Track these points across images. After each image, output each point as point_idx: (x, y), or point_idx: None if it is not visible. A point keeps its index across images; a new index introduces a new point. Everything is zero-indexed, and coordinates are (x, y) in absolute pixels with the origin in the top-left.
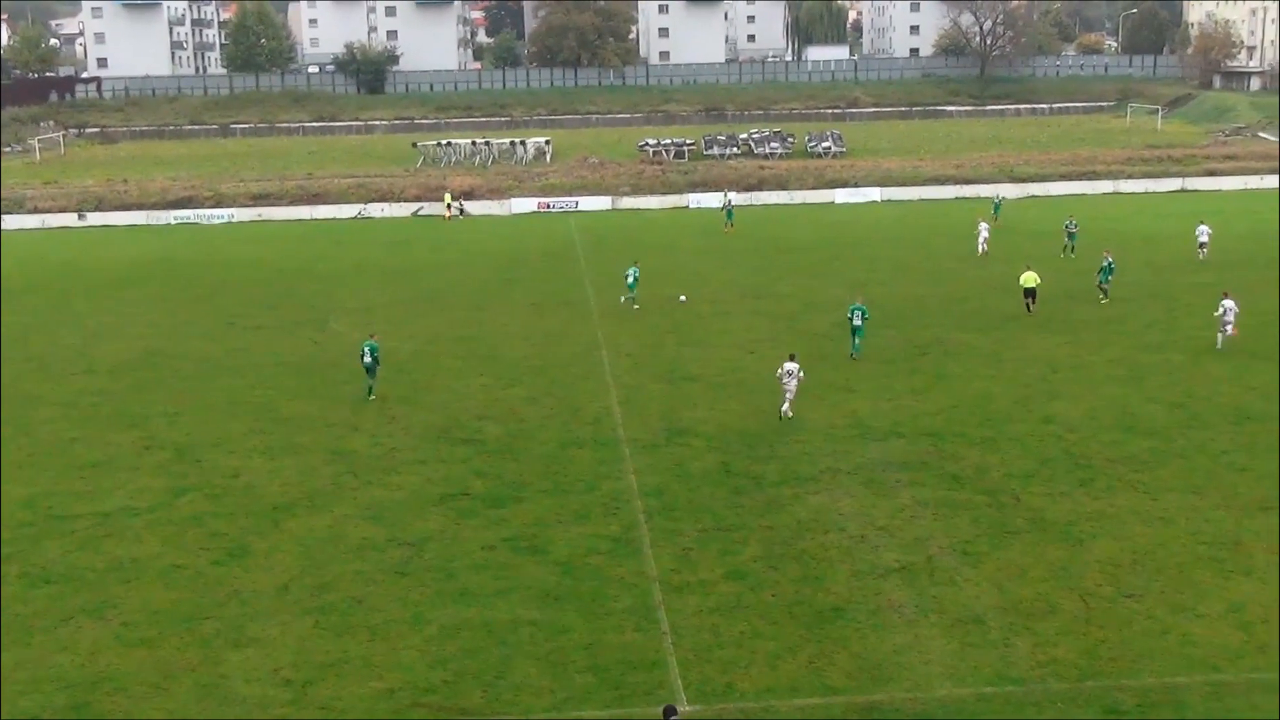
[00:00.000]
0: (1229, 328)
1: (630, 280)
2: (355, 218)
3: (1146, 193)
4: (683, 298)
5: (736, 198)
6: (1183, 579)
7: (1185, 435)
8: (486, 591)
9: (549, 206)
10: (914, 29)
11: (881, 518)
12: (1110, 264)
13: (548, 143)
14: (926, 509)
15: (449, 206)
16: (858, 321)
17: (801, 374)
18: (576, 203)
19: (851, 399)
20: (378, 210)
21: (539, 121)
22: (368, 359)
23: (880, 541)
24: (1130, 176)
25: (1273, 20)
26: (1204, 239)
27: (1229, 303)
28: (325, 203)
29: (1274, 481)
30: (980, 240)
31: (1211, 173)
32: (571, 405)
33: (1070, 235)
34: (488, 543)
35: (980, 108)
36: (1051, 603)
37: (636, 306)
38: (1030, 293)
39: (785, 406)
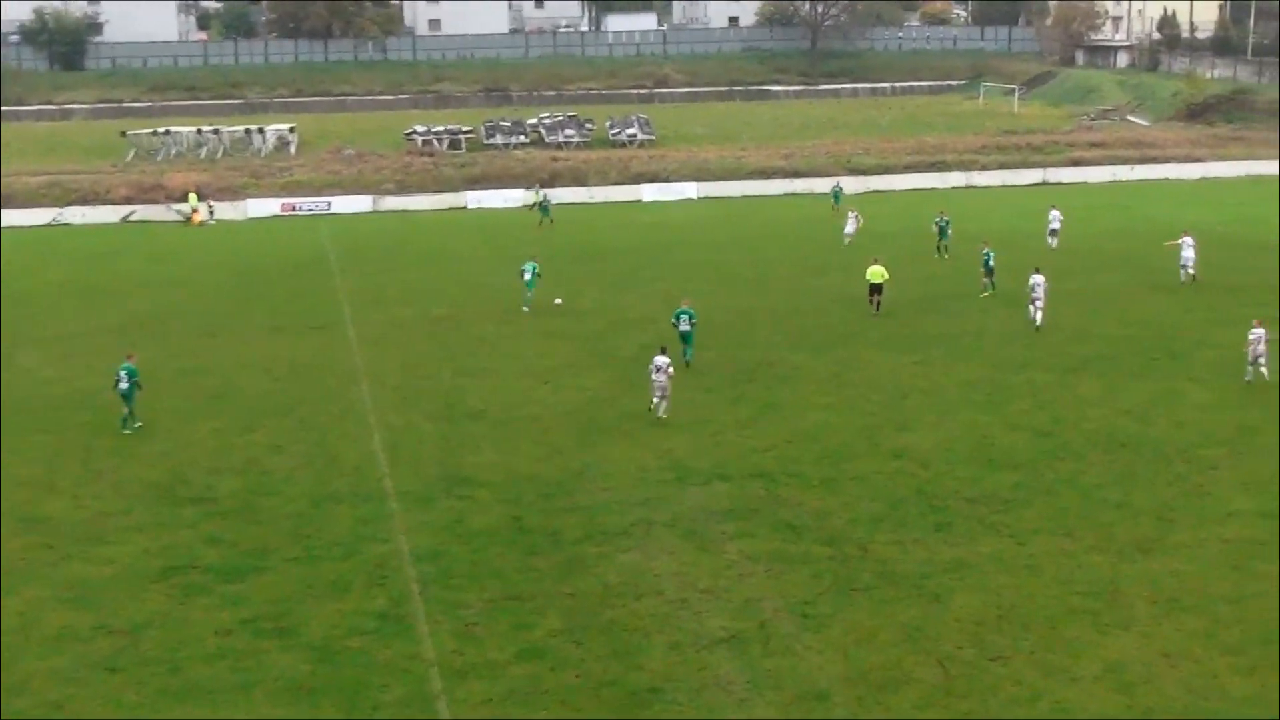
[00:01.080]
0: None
1: (528, 278)
2: (50, 225)
3: (1004, 186)
4: (558, 300)
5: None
6: (1054, 636)
7: (1053, 467)
8: (222, 687)
9: (295, 209)
10: None
11: (705, 578)
12: (989, 254)
13: (292, 130)
14: (758, 565)
15: (195, 210)
16: (685, 327)
17: (671, 369)
18: (329, 204)
19: (667, 435)
20: (78, 215)
21: (280, 105)
22: (124, 385)
23: (704, 606)
24: (985, 168)
25: None
26: (1055, 225)
27: (1259, 331)
28: (10, 206)
29: (1153, 519)
30: (847, 233)
31: (1076, 162)
32: (326, 452)
33: (942, 232)
34: (223, 626)
35: (812, 87)
36: (905, 671)
37: (526, 309)
38: (876, 288)
39: (655, 402)
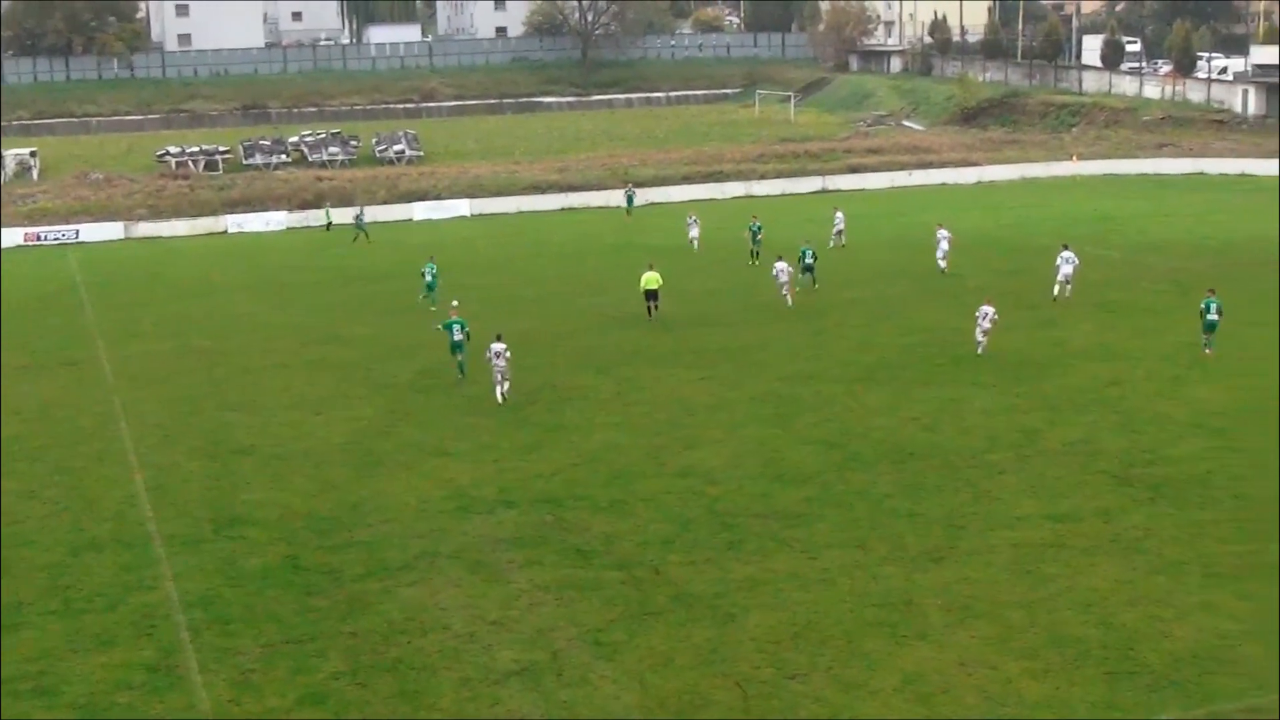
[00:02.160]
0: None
1: (429, 279)
2: None
3: (784, 195)
4: (455, 302)
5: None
6: (851, 650)
7: (843, 479)
8: None
9: (40, 238)
10: (499, 3)
11: (493, 609)
12: (810, 252)
13: (33, 155)
14: (548, 594)
15: None
16: (458, 337)
17: (509, 353)
18: (77, 232)
19: (447, 464)
20: None
21: (19, 128)
22: None
23: (494, 639)
24: (764, 176)
25: None
26: (840, 226)
27: (987, 309)
28: None
29: (944, 527)
30: (691, 237)
31: (855, 169)
32: (83, 497)
33: (754, 237)
34: None
35: (584, 98)
36: (703, 694)
37: (434, 308)
38: (652, 294)
39: (496, 387)
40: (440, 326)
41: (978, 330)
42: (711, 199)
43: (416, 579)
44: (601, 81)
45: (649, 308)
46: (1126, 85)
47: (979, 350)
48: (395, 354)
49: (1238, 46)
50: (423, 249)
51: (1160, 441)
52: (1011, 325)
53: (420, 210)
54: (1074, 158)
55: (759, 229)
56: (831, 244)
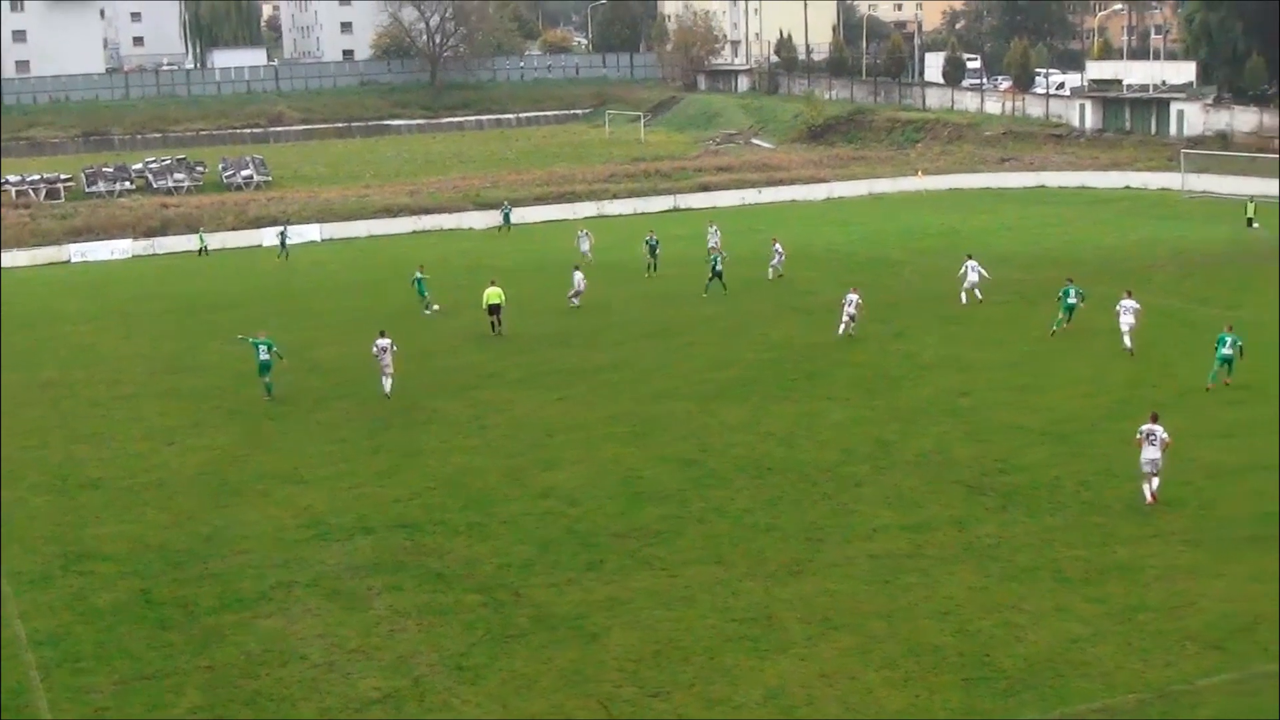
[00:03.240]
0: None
1: (419, 285)
2: None
3: (636, 214)
4: (436, 306)
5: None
6: (713, 666)
7: (702, 496)
8: None
9: None
10: (346, 26)
11: (353, 637)
12: (717, 260)
13: None
14: (408, 620)
15: None
16: (264, 356)
17: (395, 347)
18: None
19: (303, 491)
20: None
21: None
22: None
23: (354, 667)
24: (617, 196)
25: (755, 10)
26: (714, 241)
27: (853, 296)
28: None
29: (803, 540)
30: (583, 250)
31: (705, 187)
32: None
33: (652, 251)
34: None
35: (434, 120)
36: (567, 715)
37: (435, 308)
38: (494, 309)
39: (386, 385)
40: (250, 342)
41: (843, 314)
42: (563, 219)
43: (274, 609)
44: (451, 104)
45: (491, 323)
46: (968, 101)
47: (840, 331)
48: (248, 381)
49: (1074, 63)
50: (272, 274)
51: (1010, 450)
52: (863, 338)
53: (270, 236)
54: (919, 173)
55: (656, 243)
56: (771, 275)
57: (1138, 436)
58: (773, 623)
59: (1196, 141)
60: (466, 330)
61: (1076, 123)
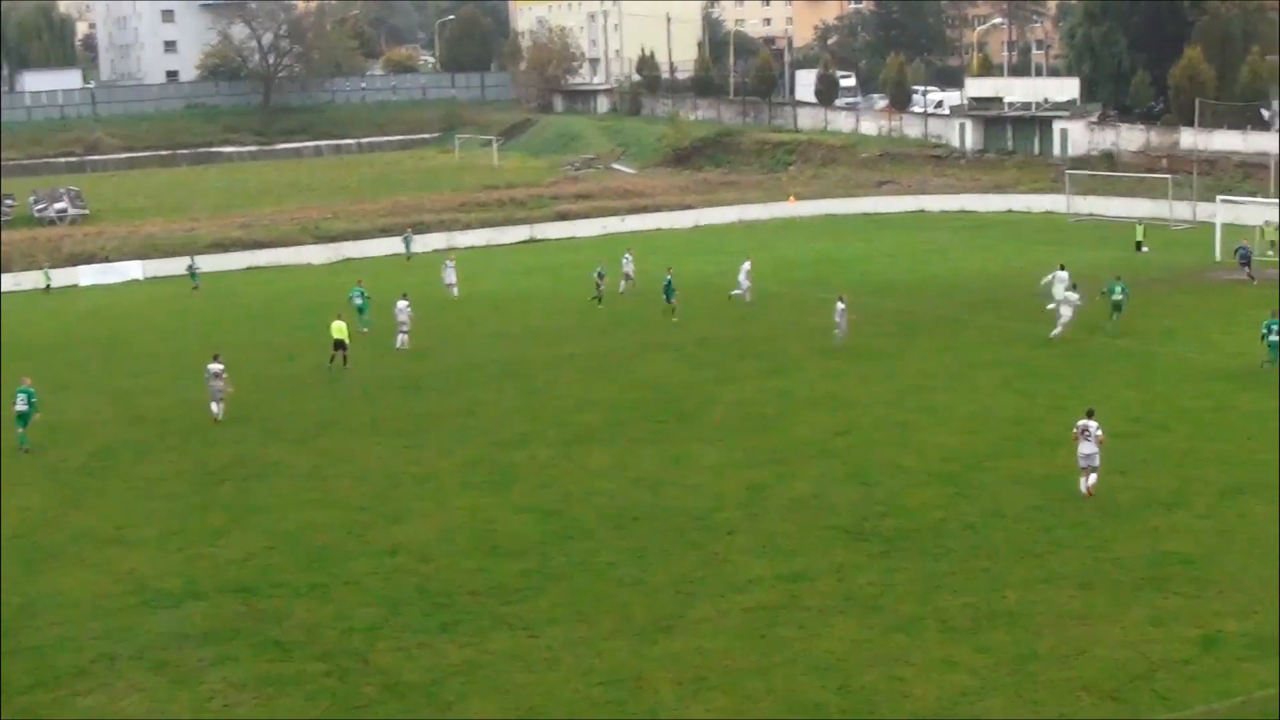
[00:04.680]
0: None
1: (359, 302)
2: None
3: (489, 246)
4: (364, 330)
5: None
6: None
7: (563, 549)
8: None
9: None
10: (170, 45)
11: (184, 714)
12: (669, 280)
13: None
14: (245, 693)
15: None
16: (21, 407)
17: (227, 374)
18: None
19: (125, 554)
20: None
21: None
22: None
23: None
24: (468, 226)
25: (615, 26)
26: (629, 270)
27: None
28: None
29: (672, 594)
30: (448, 284)
31: (564, 216)
32: None
33: (598, 285)
34: None
35: (269, 147)
36: None
37: (366, 330)
38: (339, 344)
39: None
40: (19, 391)
41: (837, 326)
42: (414, 252)
43: (94, 685)
44: (287, 129)
45: (333, 357)
46: (843, 121)
47: (836, 343)
48: (63, 434)
49: (953, 80)
50: (90, 317)
51: (892, 492)
52: (737, 376)
53: (87, 274)
54: (791, 198)
55: (604, 273)
56: (748, 297)
57: (1074, 432)
58: (641, 684)
59: (1081, 161)
60: (304, 375)
61: (956, 143)
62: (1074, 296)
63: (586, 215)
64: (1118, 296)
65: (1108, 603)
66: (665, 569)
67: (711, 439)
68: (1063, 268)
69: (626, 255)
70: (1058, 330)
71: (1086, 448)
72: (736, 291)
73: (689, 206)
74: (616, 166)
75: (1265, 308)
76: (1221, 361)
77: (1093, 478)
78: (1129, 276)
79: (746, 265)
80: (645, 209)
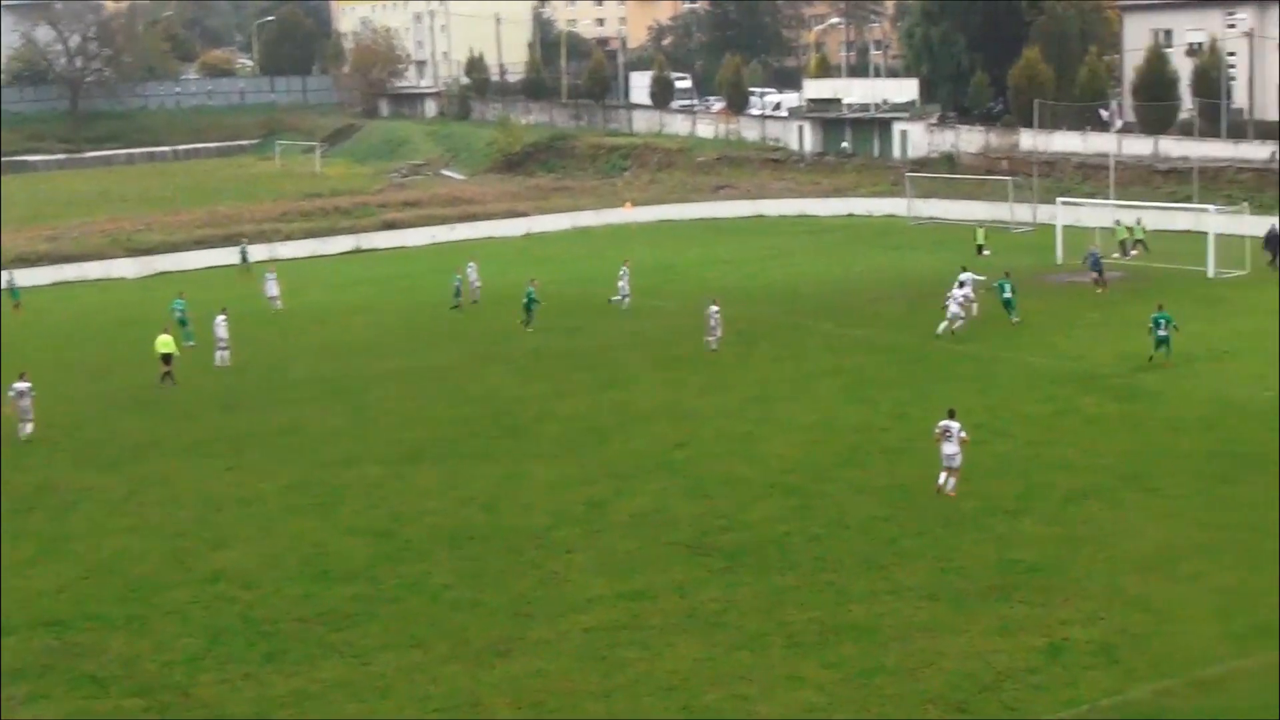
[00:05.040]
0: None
1: (179, 315)
2: None
3: (313, 257)
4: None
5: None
6: None
7: (395, 572)
8: None
9: None
10: None
11: None
12: (532, 293)
13: None
14: None
15: None
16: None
17: (34, 393)
18: None
19: None
20: None
21: None
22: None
23: None
24: (290, 236)
25: (442, 27)
26: (474, 279)
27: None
28: None
29: (510, 616)
30: (270, 297)
31: (391, 225)
32: None
33: (528, 307)
34: None
35: (77, 155)
36: None
37: (192, 343)
38: (167, 358)
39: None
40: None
41: (710, 331)
42: (229, 264)
43: None
44: (96, 136)
45: (164, 374)
46: (679, 124)
47: (710, 347)
48: None
49: (790, 81)
50: None
51: (734, 505)
52: (572, 389)
53: None
54: (627, 204)
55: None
56: (625, 304)
57: (935, 432)
58: (479, 710)
59: (921, 164)
60: (117, 394)
61: (795, 146)
62: (961, 294)
63: (414, 224)
64: (1007, 295)
65: (954, 613)
66: (502, 590)
67: (547, 455)
68: (965, 270)
69: (470, 265)
70: (944, 325)
71: (949, 448)
72: (616, 298)
73: (521, 214)
74: (445, 173)
75: (1107, 311)
76: (1063, 365)
77: (953, 480)
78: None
79: (625, 269)
80: (476, 217)
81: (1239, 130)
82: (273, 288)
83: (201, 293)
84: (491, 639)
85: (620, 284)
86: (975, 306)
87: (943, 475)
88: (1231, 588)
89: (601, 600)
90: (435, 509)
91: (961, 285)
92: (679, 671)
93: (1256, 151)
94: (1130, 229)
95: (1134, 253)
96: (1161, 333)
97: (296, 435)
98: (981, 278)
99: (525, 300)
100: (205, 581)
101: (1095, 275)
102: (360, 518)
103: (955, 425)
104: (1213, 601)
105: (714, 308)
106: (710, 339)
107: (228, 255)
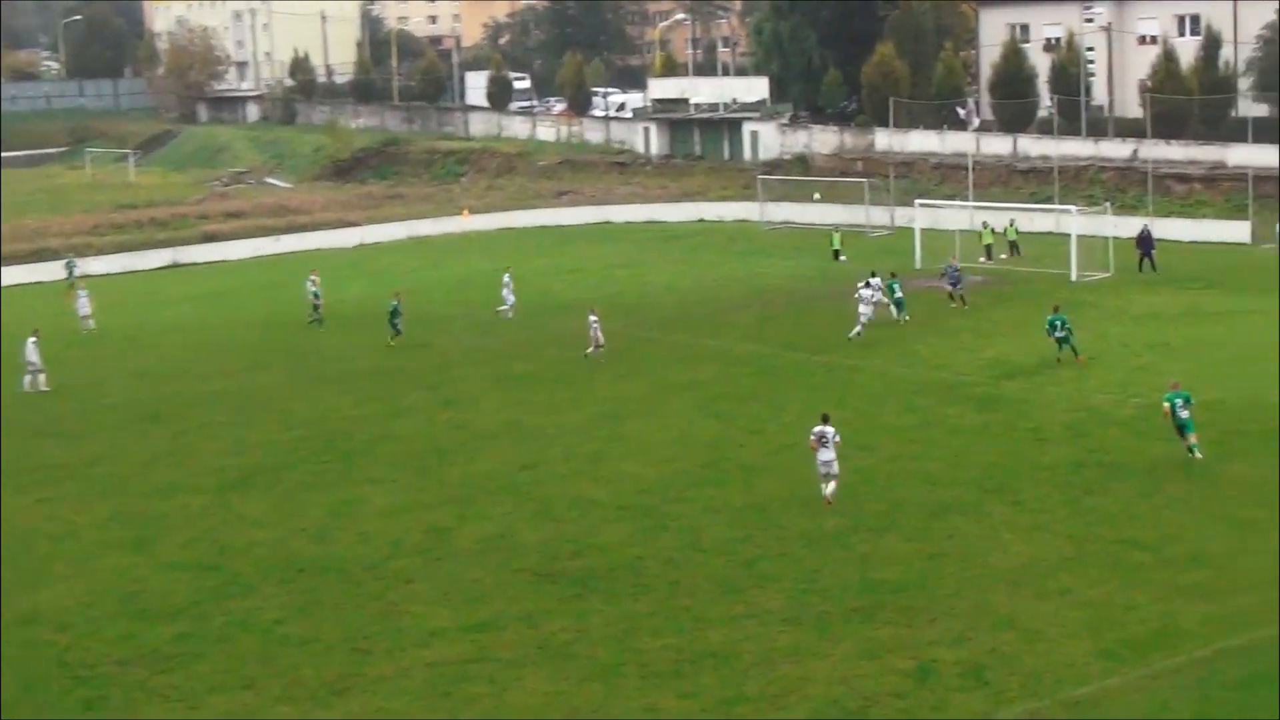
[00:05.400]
0: None
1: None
2: None
3: (128, 272)
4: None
5: None
6: None
7: (222, 608)
8: None
9: None
10: None
11: None
12: (396, 306)
13: None
14: None
15: None
16: None
17: None
18: None
19: None
20: None
21: None
22: None
23: None
24: (102, 252)
25: (264, 26)
26: (311, 291)
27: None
28: None
29: (347, 653)
30: (82, 316)
31: (211, 237)
32: None
33: (391, 319)
34: None
35: None
36: None
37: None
38: None
39: None
40: None
41: (592, 341)
42: (37, 281)
43: None
44: None
45: None
46: (518, 127)
47: (592, 356)
48: None
49: (635, 81)
50: None
51: (584, 529)
52: (409, 408)
53: None
54: (465, 212)
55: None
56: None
57: (811, 440)
58: None
59: (774, 165)
60: None
61: (641, 148)
62: (871, 294)
63: (237, 236)
64: (899, 295)
65: (817, 637)
66: (338, 625)
67: (383, 479)
68: (874, 274)
69: (312, 277)
70: (857, 329)
71: (825, 454)
72: (502, 308)
73: (352, 224)
74: (270, 181)
75: (969, 317)
76: (925, 374)
77: (832, 485)
78: (830, 289)
79: (507, 278)
80: (303, 227)
81: (1099, 128)
82: (85, 306)
83: (5, 313)
84: (328, 677)
85: (505, 293)
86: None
87: (822, 485)
88: (1100, 601)
89: (445, 633)
90: (264, 540)
91: (868, 285)
92: (528, 707)
93: (1117, 150)
94: (996, 233)
95: (1004, 256)
96: (1059, 334)
97: (113, 464)
98: (876, 279)
99: (389, 313)
100: (16, 624)
101: (955, 290)
102: (183, 551)
103: (830, 430)
104: (1082, 617)
105: (593, 317)
106: (592, 350)
107: (37, 271)
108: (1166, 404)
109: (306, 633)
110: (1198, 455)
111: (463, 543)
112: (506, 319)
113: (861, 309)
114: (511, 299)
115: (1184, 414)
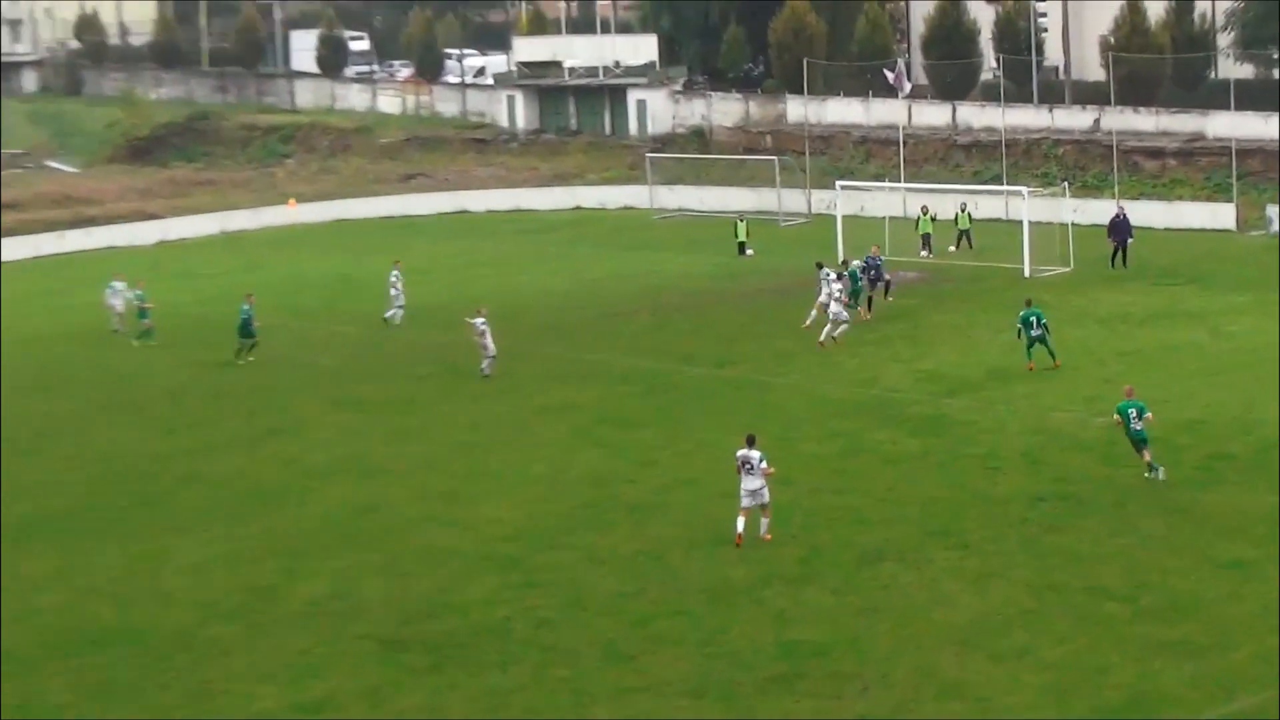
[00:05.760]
0: None
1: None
2: None
3: None
4: None
5: None
6: None
7: None
8: None
9: None
10: None
11: None
12: (249, 312)
13: None
14: None
15: None
16: None
17: None
18: None
19: None
20: None
21: None
22: None
23: None
24: None
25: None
26: (116, 301)
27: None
28: None
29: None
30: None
31: None
32: None
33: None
34: None
35: None
36: None
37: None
38: None
39: None
40: None
41: (483, 349)
42: None
43: None
44: None
45: None
46: (355, 97)
47: (486, 370)
48: None
49: (497, 41)
50: None
51: (439, 586)
52: (224, 441)
53: None
54: (291, 202)
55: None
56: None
57: (736, 464)
58: None
59: (666, 141)
60: None
61: (505, 122)
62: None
63: (12, 232)
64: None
65: (725, 711)
66: (138, 708)
67: (192, 528)
68: (820, 265)
69: (115, 283)
70: (827, 330)
71: (752, 483)
72: (389, 312)
73: (153, 215)
74: (52, 164)
75: (902, 321)
76: (849, 392)
77: (765, 523)
78: (734, 289)
79: (396, 273)
80: (93, 221)
81: (1054, 94)
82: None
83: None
84: None
85: (393, 293)
86: (817, 312)
87: (741, 520)
88: (1065, 663)
89: (271, 716)
90: (47, 605)
91: (838, 279)
92: None
93: (1076, 119)
94: (935, 219)
95: (951, 249)
96: (1035, 333)
97: None
98: (834, 273)
99: (240, 323)
100: None
101: (880, 285)
102: None
103: (756, 455)
104: (1044, 682)
105: (479, 320)
106: (486, 365)
107: None
108: (1118, 415)
109: (103, 712)
110: (1160, 476)
111: (291, 605)
112: (396, 325)
113: (833, 308)
114: (401, 299)
115: (1138, 425)
